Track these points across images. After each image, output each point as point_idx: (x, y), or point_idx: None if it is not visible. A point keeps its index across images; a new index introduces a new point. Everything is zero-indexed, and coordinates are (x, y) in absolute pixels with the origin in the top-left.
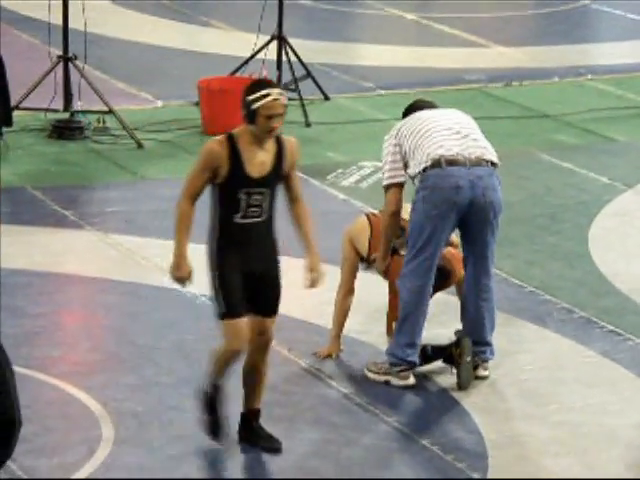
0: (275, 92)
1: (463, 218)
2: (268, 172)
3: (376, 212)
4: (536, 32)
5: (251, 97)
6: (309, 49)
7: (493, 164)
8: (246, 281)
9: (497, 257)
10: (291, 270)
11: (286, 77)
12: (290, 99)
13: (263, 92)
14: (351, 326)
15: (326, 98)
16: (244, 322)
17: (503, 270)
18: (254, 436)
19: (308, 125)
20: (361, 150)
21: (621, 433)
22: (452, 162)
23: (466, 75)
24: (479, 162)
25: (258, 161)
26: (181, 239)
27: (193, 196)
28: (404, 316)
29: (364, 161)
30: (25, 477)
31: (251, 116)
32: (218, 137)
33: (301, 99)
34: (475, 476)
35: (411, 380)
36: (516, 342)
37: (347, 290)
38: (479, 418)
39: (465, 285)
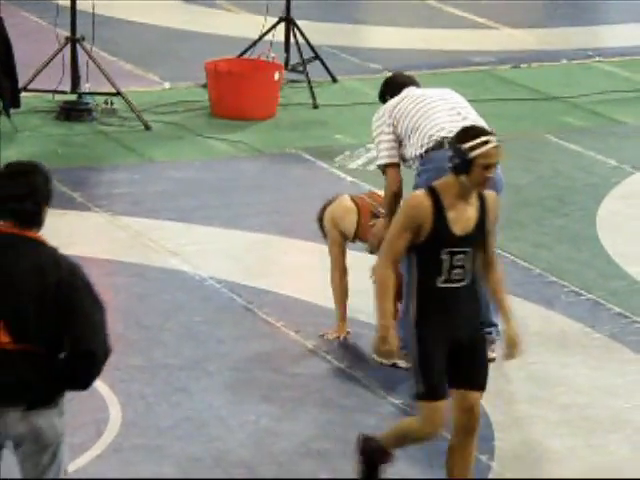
0: (493, 139)
1: None
2: (472, 229)
3: (362, 195)
4: (545, 14)
5: (467, 145)
6: (317, 31)
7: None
8: (450, 352)
9: (504, 239)
10: (296, 252)
11: (294, 59)
12: (298, 81)
13: (482, 139)
14: (359, 308)
15: (334, 80)
16: (443, 406)
17: (511, 253)
18: None
19: (316, 107)
20: (369, 132)
21: (627, 415)
22: None
23: (474, 57)
24: None
25: (464, 217)
26: (386, 309)
27: (395, 260)
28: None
29: (372, 143)
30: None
31: (465, 166)
32: (419, 192)
33: (309, 81)
34: (482, 458)
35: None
36: (523, 325)
37: (341, 271)
38: (485, 400)
39: None
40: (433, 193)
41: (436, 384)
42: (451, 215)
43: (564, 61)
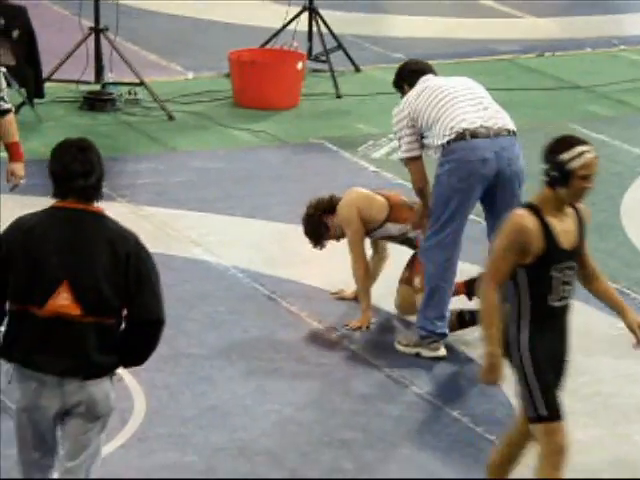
0: (592, 148)
1: (488, 189)
2: (576, 242)
3: (384, 190)
4: (569, 3)
5: (566, 156)
6: (340, 20)
7: (514, 133)
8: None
9: None
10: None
11: (317, 48)
12: (321, 70)
13: (579, 149)
14: (382, 298)
15: (357, 70)
16: (564, 427)
17: None
18: None
19: (339, 97)
20: (391, 122)
21: None
22: (476, 134)
23: (498, 46)
24: (501, 132)
25: (567, 230)
26: (493, 335)
27: (500, 283)
28: (432, 290)
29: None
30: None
31: (565, 178)
32: (520, 212)
33: (332, 71)
34: None
35: (442, 351)
36: None
37: (363, 262)
38: (510, 390)
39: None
40: (534, 210)
41: (557, 405)
42: (557, 230)
43: (588, 50)
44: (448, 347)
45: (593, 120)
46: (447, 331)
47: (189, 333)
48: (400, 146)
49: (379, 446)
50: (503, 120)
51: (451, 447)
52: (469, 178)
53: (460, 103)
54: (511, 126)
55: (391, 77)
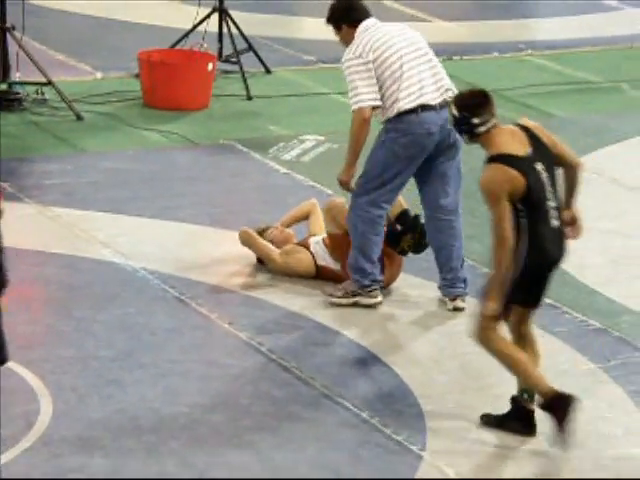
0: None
1: (427, 158)
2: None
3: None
4: (477, 7)
5: (476, 120)
6: (250, 22)
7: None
8: None
9: None
10: (229, 244)
11: (227, 50)
12: (231, 72)
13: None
14: (295, 301)
15: (267, 71)
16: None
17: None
18: None
19: (249, 98)
20: (303, 123)
21: None
22: (426, 108)
23: None
24: (446, 104)
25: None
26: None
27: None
28: (361, 244)
29: (306, 134)
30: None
31: (473, 137)
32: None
33: (242, 72)
34: (413, 449)
35: (379, 298)
36: (455, 316)
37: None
38: (418, 391)
39: (424, 207)
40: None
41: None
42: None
43: (496, 54)
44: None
45: (500, 123)
46: (382, 277)
47: (97, 335)
48: (357, 94)
49: (289, 447)
50: (448, 91)
51: (361, 448)
52: (412, 148)
53: (419, 72)
54: (452, 94)
55: (302, 79)
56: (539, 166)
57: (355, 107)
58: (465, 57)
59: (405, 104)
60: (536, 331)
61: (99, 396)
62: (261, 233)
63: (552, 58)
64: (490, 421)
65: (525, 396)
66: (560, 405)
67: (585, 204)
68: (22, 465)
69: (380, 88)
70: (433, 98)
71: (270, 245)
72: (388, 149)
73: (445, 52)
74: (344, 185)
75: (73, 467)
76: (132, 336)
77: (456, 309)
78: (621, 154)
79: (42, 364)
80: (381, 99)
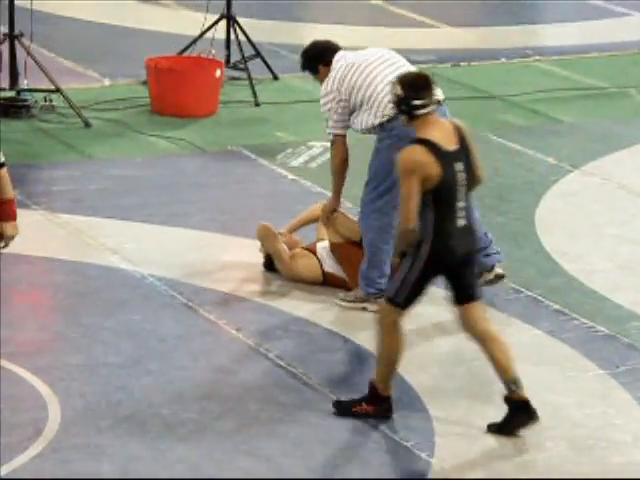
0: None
1: None
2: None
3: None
4: (484, 13)
5: (417, 102)
6: (258, 28)
7: (443, 102)
8: None
9: None
10: (237, 250)
11: (235, 56)
12: (239, 79)
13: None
14: (302, 307)
15: (275, 78)
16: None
17: None
18: None
19: (257, 105)
20: (310, 130)
21: (566, 412)
22: None
23: (415, 56)
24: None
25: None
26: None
27: None
28: (373, 253)
29: (313, 141)
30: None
31: (411, 118)
32: None
33: (250, 79)
34: (422, 455)
35: None
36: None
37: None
38: (426, 397)
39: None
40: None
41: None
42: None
43: (503, 60)
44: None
45: (507, 129)
46: None
47: (105, 342)
48: (330, 124)
49: (297, 453)
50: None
51: (369, 454)
52: None
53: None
54: (440, 96)
55: (309, 85)
56: (459, 166)
57: (328, 133)
58: (472, 63)
59: (387, 111)
60: (543, 337)
61: (107, 402)
62: None
63: (559, 64)
64: (495, 429)
65: (513, 387)
66: (381, 405)
67: (593, 210)
68: (31, 471)
69: (361, 105)
70: None
71: (284, 246)
72: (384, 156)
73: (452, 58)
74: (325, 214)
75: (82, 473)
76: (140, 343)
77: (498, 277)
78: (629, 160)
79: (51, 371)
80: (362, 114)
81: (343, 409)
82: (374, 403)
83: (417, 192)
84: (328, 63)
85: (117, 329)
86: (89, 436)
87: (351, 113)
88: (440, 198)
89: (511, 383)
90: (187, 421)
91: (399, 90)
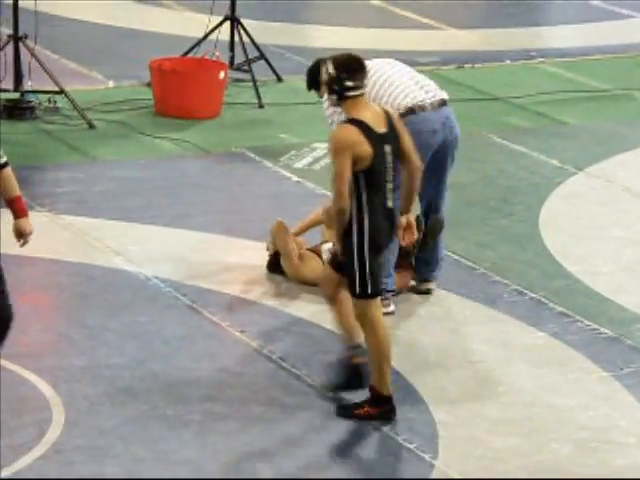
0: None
1: (432, 155)
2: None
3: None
4: (489, 15)
5: (349, 83)
6: (262, 30)
7: (448, 102)
8: None
9: (449, 239)
10: (240, 252)
11: (239, 58)
12: (243, 80)
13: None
14: (306, 309)
15: (279, 79)
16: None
17: (454, 252)
18: None
19: (261, 106)
20: (314, 132)
21: (570, 414)
22: (423, 108)
23: (419, 57)
24: (441, 103)
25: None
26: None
27: None
28: None
29: (317, 143)
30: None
31: (340, 99)
32: None
33: (254, 80)
34: (425, 457)
35: (391, 307)
36: (467, 324)
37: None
38: (430, 399)
39: (423, 204)
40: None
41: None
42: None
43: (508, 62)
44: None
45: (512, 131)
46: (395, 287)
47: (109, 343)
48: (333, 126)
49: (300, 455)
50: (440, 92)
51: (372, 456)
52: (420, 149)
53: (399, 82)
54: (445, 96)
55: None
56: (387, 148)
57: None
58: (476, 65)
59: (401, 106)
60: (547, 339)
61: (111, 404)
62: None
63: (564, 66)
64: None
65: (356, 352)
66: (384, 407)
67: (597, 212)
68: (34, 473)
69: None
70: (423, 99)
71: (294, 245)
72: None
73: (457, 60)
74: (328, 215)
75: (85, 475)
76: (144, 344)
77: (427, 291)
78: (633, 162)
79: (54, 372)
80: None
81: (346, 411)
82: (377, 405)
83: (349, 170)
84: None
85: (121, 330)
86: (93, 438)
87: None
88: (371, 179)
89: (352, 348)
90: (191, 422)
91: (332, 70)
